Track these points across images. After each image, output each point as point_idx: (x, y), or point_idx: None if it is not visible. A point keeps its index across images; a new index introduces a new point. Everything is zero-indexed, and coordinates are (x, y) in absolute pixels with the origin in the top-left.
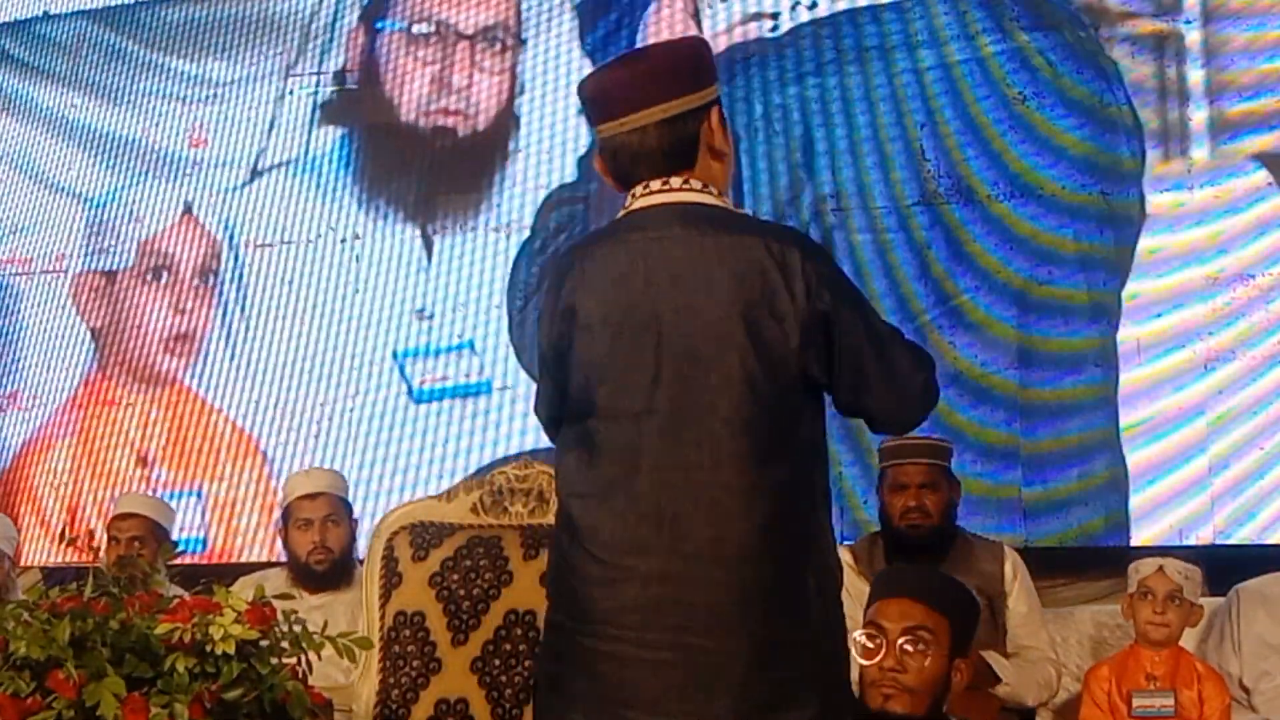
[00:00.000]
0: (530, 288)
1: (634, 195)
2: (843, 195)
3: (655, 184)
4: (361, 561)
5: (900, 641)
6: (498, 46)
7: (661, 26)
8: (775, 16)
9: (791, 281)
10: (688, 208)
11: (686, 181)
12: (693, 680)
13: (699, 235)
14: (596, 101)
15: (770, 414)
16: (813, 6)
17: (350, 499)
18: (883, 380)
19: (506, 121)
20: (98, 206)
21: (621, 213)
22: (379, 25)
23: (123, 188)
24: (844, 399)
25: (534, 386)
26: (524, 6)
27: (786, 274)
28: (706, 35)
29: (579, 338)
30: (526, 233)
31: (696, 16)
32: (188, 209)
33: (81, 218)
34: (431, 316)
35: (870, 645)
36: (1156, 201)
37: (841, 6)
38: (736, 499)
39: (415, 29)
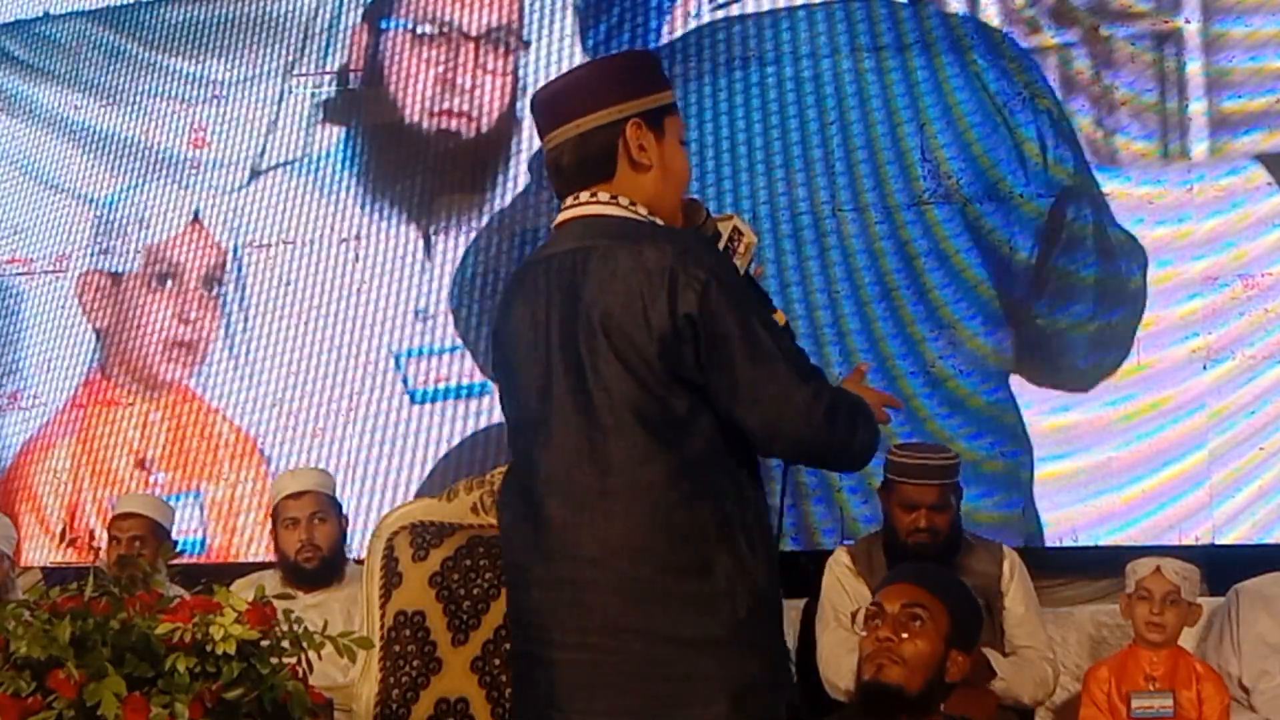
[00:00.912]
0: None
1: (559, 211)
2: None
3: (569, 199)
4: (357, 560)
5: (897, 615)
6: (502, 48)
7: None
8: None
9: (661, 286)
10: (589, 221)
11: (595, 194)
12: (600, 679)
13: (589, 248)
14: (536, 118)
15: (648, 418)
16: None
17: (345, 498)
18: (755, 389)
19: (509, 122)
20: (100, 207)
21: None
22: (384, 24)
23: (125, 188)
24: (720, 405)
25: None
26: (527, 6)
27: (659, 279)
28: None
29: (496, 357)
30: (530, 234)
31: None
32: (196, 216)
33: (83, 218)
34: (432, 317)
35: (870, 622)
36: (1156, 197)
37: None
38: (618, 501)
39: (420, 29)
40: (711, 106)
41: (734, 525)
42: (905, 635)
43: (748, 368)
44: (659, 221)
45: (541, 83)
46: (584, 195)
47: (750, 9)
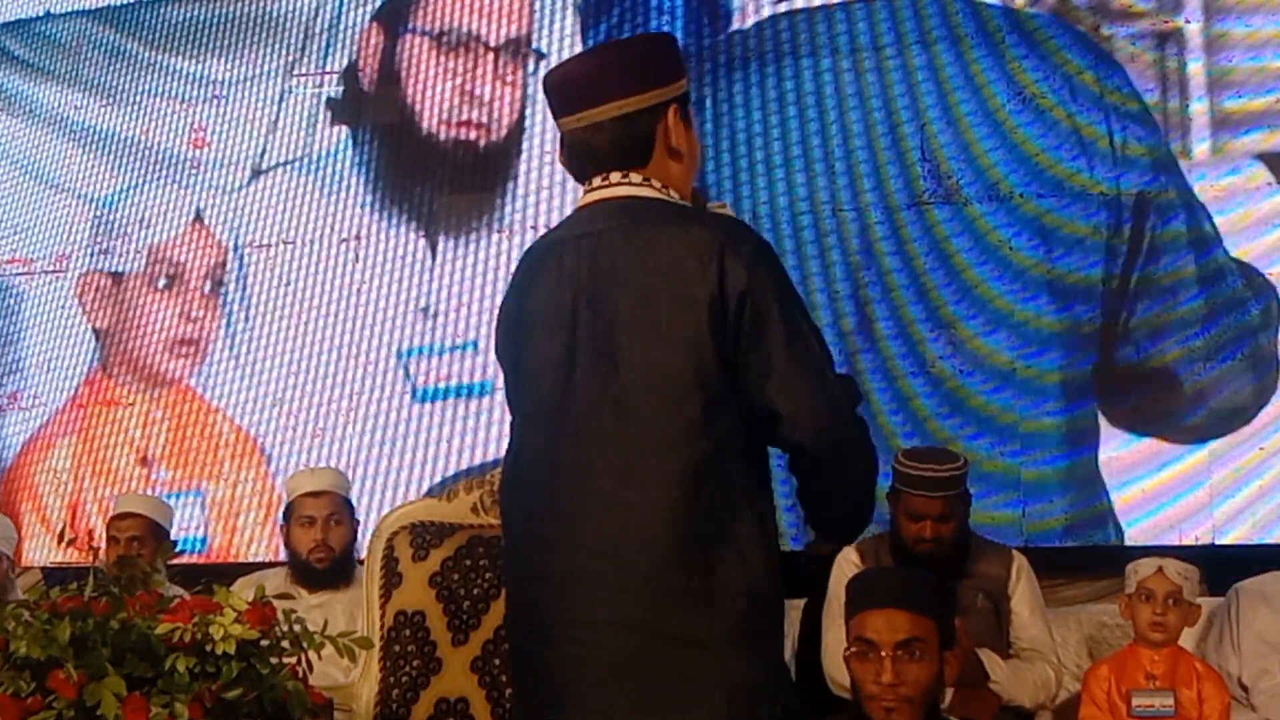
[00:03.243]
0: None
1: (584, 191)
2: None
3: (599, 180)
4: (362, 561)
5: (895, 656)
6: (518, 58)
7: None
8: None
9: (708, 267)
10: (626, 202)
11: (627, 176)
12: (597, 675)
13: (628, 229)
14: (556, 95)
15: (676, 407)
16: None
17: (353, 497)
18: (790, 371)
19: (517, 127)
20: (101, 207)
21: (572, 210)
22: (398, 28)
23: (125, 188)
24: (752, 385)
25: None
26: (537, 13)
27: (704, 260)
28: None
29: (507, 340)
30: (530, 234)
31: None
32: (197, 216)
33: (84, 218)
34: (435, 315)
35: (863, 660)
36: (1157, 195)
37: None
38: (636, 491)
39: (441, 36)
40: (712, 107)
41: (741, 525)
42: (907, 674)
43: (785, 349)
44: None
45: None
46: (615, 176)
47: (751, 12)
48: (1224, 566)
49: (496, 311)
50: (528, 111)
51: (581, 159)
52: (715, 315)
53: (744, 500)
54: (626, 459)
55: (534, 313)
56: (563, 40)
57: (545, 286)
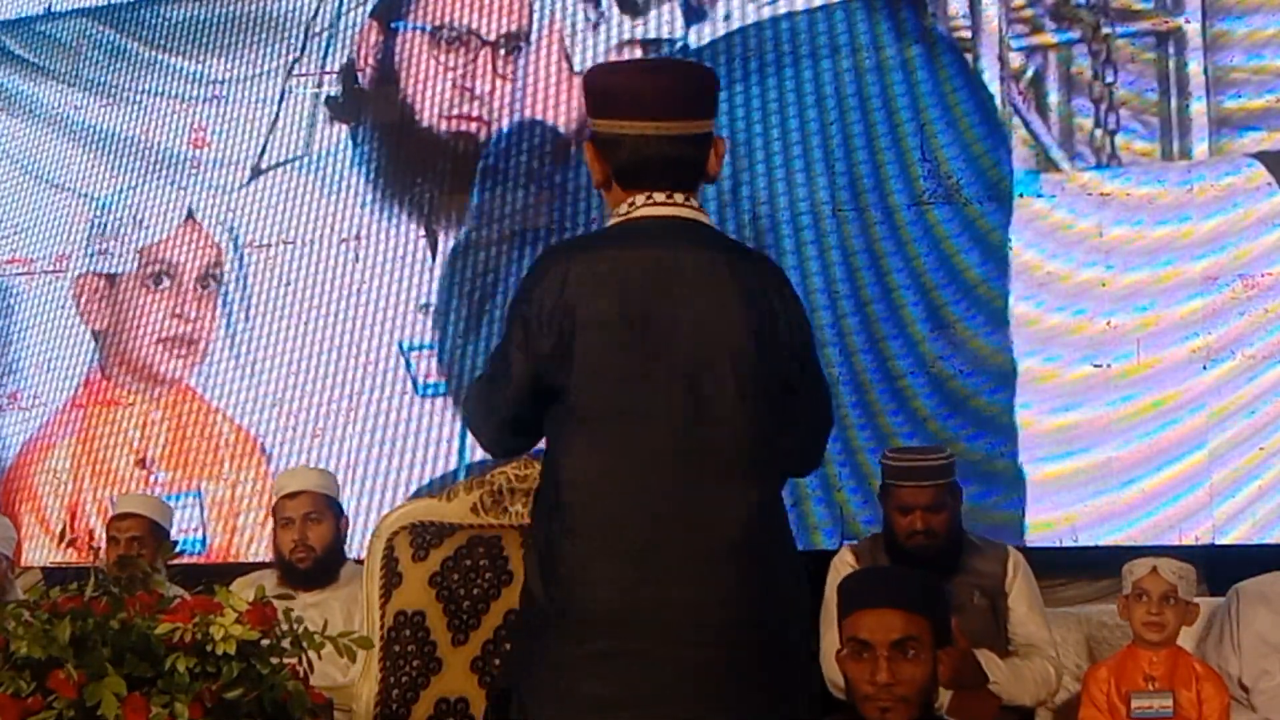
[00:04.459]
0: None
1: (634, 203)
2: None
3: (661, 196)
4: (356, 560)
5: (890, 655)
6: (514, 52)
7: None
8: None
9: (786, 310)
10: (692, 225)
11: (688, 200)
12: (719, 679)
13: (709, 253)
14: (631, 96)
15: (761, 429)
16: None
17: (347, 495)
18: (814, 412)
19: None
20: (100, 207)
21: (621, 218)
22: (395, 25)
23: (125, 188)
24: (800, 405)
25: None
26: (535, 9)
27: (783, 303)
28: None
29: (584, 336)
30: (531, 233)
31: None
32: (190, 214)
33: (84, 218)
34: (437, 312)
35: (857, 659)
36: (1157, 196)
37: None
38: (735, 508)
39: (437, 32)
40: None
41: (792, 538)
42: (902, 674)
43: (814, 390)
44: None
45: (541, 83)
46: (678, 197)
47: (751, 14)
48: (1224, 566)
49: (524, 307)
50: (526, 107)
51: (644, 165)
52: (793, 356)
53: (786, 517)
54: (731, 475)
55: (616, 317)
56: (561, 43)
57: (627, 292)
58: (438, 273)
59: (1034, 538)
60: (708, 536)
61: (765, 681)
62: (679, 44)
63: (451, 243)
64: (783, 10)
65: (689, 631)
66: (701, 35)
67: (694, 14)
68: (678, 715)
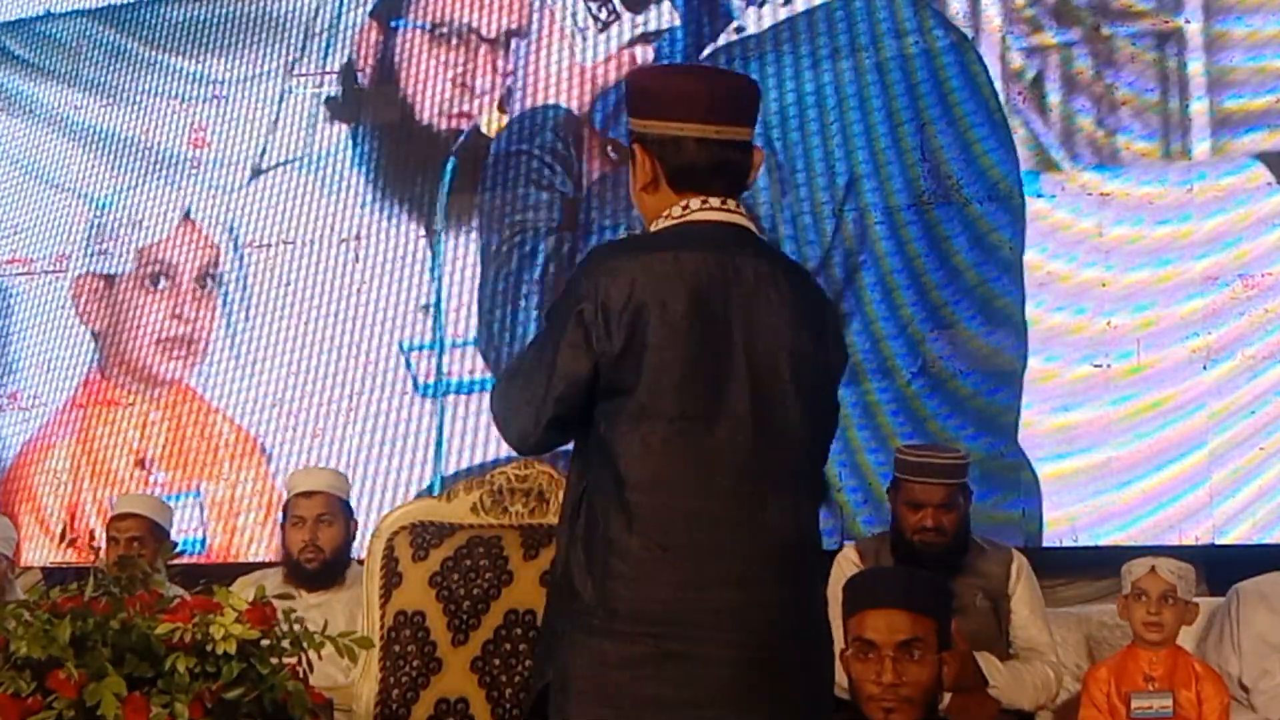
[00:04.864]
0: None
1: (689, 206)
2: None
3: (715, 200)
4: (360, 561)
5: (896, 656)
6: (512, 49)
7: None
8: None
9: (835, 325)
10: (747, 233)
11: (738, 207)
12: (768, 682)
13: (767, 263)
14: (691, 98)
15: (816, 441)
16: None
17: (353, 495)
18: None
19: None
20: (100, 207)
21: (676, 220)
22: (394, 24)
23: (125, 188)
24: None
25: None
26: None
27: (835, 320)
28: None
29: (657, 335)
30: (530, 232)
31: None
32: (187, 214)
33: (83, 218)
34: (437, 311)
35: (862, 658)
36: (1157, 196)
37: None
38: (792, 516)
39: (436, 30)
40: None
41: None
42: (907, 674)
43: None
44: None
45: (541, 83)
46: (731, 204)
47: (751, 14)
48: (1224, 566)
49: (583, 305)
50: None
51: (702, 169)
52: (832, 358)
53: None
54: (797, 480)
55: (689, 318)
56: (562, 41)
57: (697, 294)
58: (438, 272)
59: (1034, 537)
60: (765, 543)
61: (804, 692)
62: (679, 44)
63: (452, 242)
64: (782, 14)
65: (739, 635)
66: (703, 36)
67: (694, 14)
68: (726, 718)
